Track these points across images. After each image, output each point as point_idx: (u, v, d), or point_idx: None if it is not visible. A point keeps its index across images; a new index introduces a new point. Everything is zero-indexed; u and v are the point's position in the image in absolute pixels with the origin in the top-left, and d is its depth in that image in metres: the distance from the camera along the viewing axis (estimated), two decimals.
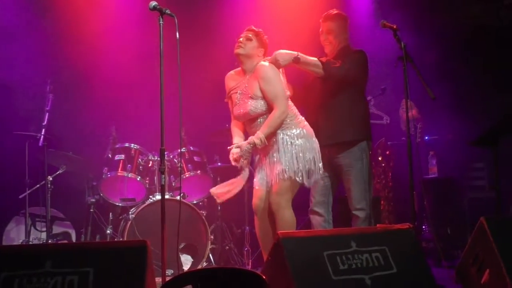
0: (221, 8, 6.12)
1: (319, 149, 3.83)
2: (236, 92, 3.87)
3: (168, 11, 3.33)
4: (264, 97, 3.73)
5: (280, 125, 3.73)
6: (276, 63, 3.79)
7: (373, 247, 2.96)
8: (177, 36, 3.35)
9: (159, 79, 3.27)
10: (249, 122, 3.85)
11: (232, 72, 3.99)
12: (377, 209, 5.52)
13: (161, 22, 3.33)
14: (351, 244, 2.92)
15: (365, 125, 4.19)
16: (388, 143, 5.79)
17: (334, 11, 4.21)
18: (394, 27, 3.83)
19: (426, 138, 5.77)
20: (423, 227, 5.56)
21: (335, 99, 4.06)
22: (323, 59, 3.98)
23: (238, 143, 3.81)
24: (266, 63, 3.79)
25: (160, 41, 3.31)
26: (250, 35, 3.84)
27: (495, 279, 3.03)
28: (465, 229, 5.41)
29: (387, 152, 5.71)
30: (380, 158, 5.70)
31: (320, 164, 3.82)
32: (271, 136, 3.73)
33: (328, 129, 4.06)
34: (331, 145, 4.08)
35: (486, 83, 6.16)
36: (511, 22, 6.00)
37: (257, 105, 3.74)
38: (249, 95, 3.76)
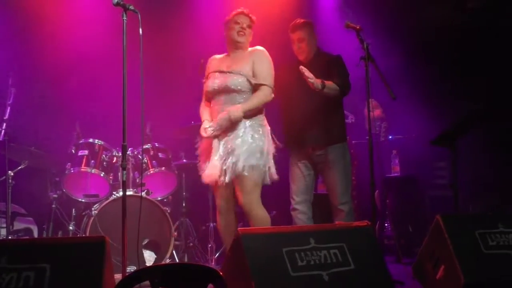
0: (187, 4, 6.11)
1: (273, 151, 3.88)
2: (216, 71, 3.89)
3: (131, 7, 3.33)
4: (254, 77, 3.77)
5: (260, 107, 3.80)
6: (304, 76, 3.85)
7: (331, 243, 2.99)
8: (140, 32, 3.35)
9: (123, 75, 3.26)
10: (218, 98, 3.83)
11: (216, 56, 4.05)
12: None
13: (124, 18, 3.31)
14: (310, 241, 2.95)
15: (344, 128, 4.36)
16: (353, 142, 5.85)
17: (301, 20, 4.32)
18: (357, 27, 3.91)
19: (390, 137, 5.86)
20: (386, 224, 5.65)
21: (318, 104, 4.15)
22: (336, 82, 4.07)
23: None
24: (263, 48, 3.89)
25: (124, 37, 3.29)
26: (250, 23, 3.91)
27: (449, 274, 3.12)
28: (425, 226, 5.47)
29: (351, 151, 5.75)
30: None
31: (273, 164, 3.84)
32: (250, 114, 3.74)
33: (313, 130, 4.19)
34: (315, 145, 4.21)
35: (450, 84, 6.27)
36: (474, 24, 6.12)
37: (238, 81, 3.77)
38: (232, 72, 3.78)
